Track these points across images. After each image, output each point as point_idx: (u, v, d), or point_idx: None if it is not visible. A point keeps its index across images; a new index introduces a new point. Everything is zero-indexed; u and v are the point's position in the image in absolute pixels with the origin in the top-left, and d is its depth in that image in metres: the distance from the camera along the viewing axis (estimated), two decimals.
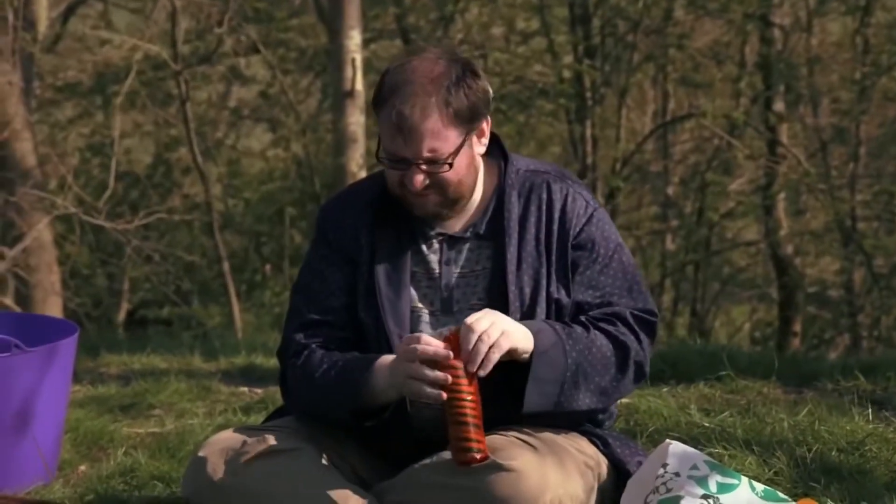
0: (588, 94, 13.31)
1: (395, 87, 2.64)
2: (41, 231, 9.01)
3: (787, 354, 6.43)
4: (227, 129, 16.11)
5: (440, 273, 2.76)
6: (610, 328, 2.70)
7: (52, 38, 13.50)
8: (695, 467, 2.52)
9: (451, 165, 2.65)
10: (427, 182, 2.66)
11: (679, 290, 14.64)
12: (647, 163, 14.33)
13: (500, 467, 2.56)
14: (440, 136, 2.63)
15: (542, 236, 2.75)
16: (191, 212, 14.27)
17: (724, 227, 14.39)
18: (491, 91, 2.74)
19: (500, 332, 2.54)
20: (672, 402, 3.87)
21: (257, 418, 3.97)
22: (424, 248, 2.78)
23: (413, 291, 2.76)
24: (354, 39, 9.62)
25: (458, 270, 2.76)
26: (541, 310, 2.71)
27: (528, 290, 2.72)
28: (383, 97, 2.66)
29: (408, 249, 2.77)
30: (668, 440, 2.59)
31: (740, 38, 13.52)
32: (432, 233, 2.78)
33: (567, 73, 13.45)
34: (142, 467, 3.57)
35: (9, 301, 9.58)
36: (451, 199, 2.72)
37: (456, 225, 2.78)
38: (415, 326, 2.74)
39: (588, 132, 13.39)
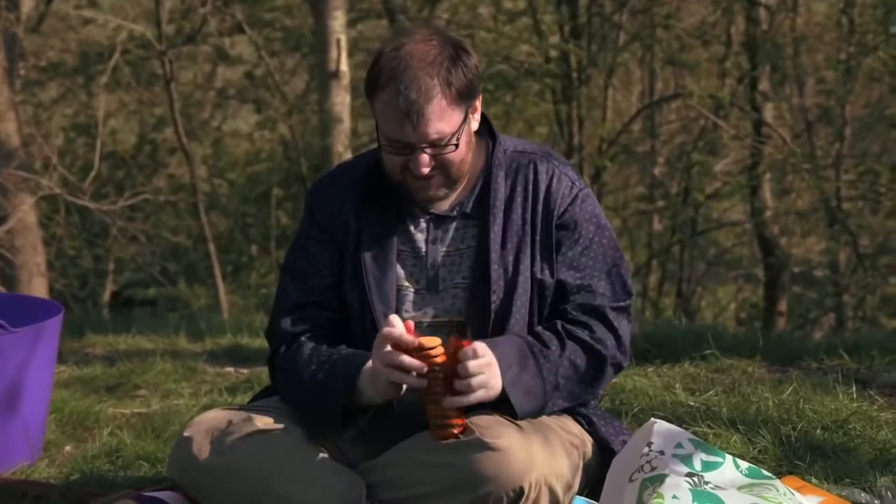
0: (574, 74, 13.30)
1: (394, 73, 2.60)
2: (26, 212, 8.98)
3: (772, 334, 6.45)
4: (212, 109, 16.06)
5: (426, 252, 2.76)
6: (585, 337, 2.70)
7: (36, 18, 13.43)
8: (679, 446, 2.52)
9: (456, 146, 2.65)
10: (433, 164, 2.65)
11: (665, 270, 14.67)
12: (633, 143, 14.33)
13: (486, 446, 2.57)
14: (445, 118, 2.62)
15: (528, 216, 2.74)
16: (176, 193, 14.24)
17: (709, 208, 14.41)
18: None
19: (483, 391, 2.56)
20: (657, 382, 3.88)
21: (243, 398, 3.98)
22: (412, 227, 2.77)
23: (399, 270, 2.75)
24: (339, 20, 9.59)
25: (444, 249, 2.75)
26: (523, 290, 2.71)
27: (511, 270, 2.72)
28: (381, 83, 2.62)
29: (394, 228, 2.77)
30: (652, 419, 2.60)
31: (727, 18, 13.51)
32: (419, 211, 2.77)
33: (553, 53, 13.43)
34: (127, 447, 3.57)
35: None
36: (454, 180, 2.71)
37: (443, 204, 2.78)
38: (400, 305, 2.74)
39: (574, 112, 13.39)
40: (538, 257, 2.74)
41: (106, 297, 14.49)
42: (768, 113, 13.06)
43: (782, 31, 13.03)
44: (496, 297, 2.70)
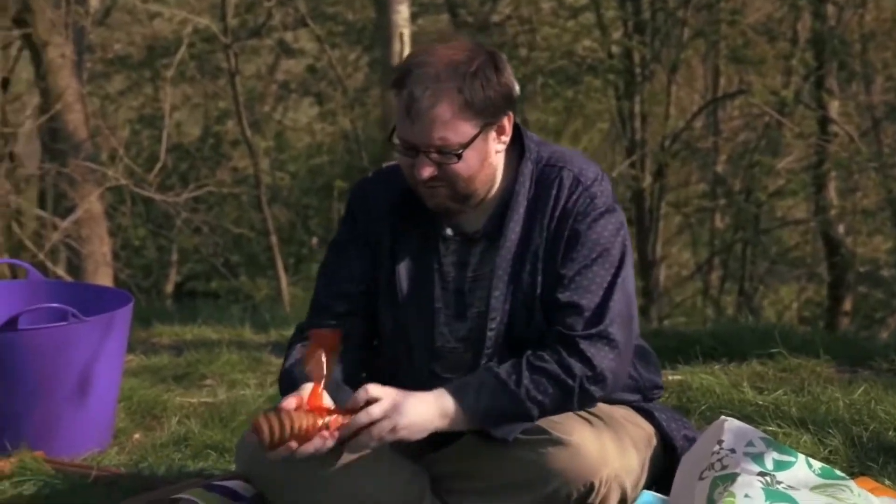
0: (637, 70, 13.21)
1: (412, 71, 2.56)
2: (93, 202, 9.08)
3: (838, 334, 6.38)
4: (274, 102, 16.13)
5: (454, 275, 2.71)
6: (551, 366, 2.57)
7: (104, 12, 13.56)
8: (751, 444, 2.50)
9: (459, 157, 2.56)
10: (435, 173, 2.58)
11: (727, 268, 14.53)
12: (695, 140, 14.22)
13: (557, 441, 2.56)
14: (450, 125, 2.54)
15: (543, 237, 2.65)
16: (239, 185, 14.33)
17: (773, 206, 14.26)
18: (517, 88, 2.63)
19: (391, 433, 2.47)
20: (724, 380, 3.85)
21: None
22: (442, 247, 2.72)
23: (436, 290, 2.71)
24: (402, 14, 9.58)
25: (470, 274, 2.70)
26: (530, 313, 2.66)
27: (527, 293, 2.65)
28: (399, 78, 2.58)
29: (430, 247, 2.72)
30: (723, 416, 2.58)
31: (793, 15, 13.36)
32: (449, 231, 2.71)
33: (616, 49, 13.35)
34: (195, 436, 3.60)
35: (61, 271, 9.67)
36: (462, 195, 2.63)
37: (472, 222, 2.71)
38: (435, 329, 2.70)
39: (637, 108, 13.30)
40: (549, 281, 2.65)
41: (169, 287, 14.62)
42: (834, 110, 12.90)
43: (850, 27, 12.86)
44: (494, 325, 2.65)
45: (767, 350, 4.17)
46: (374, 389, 2.46)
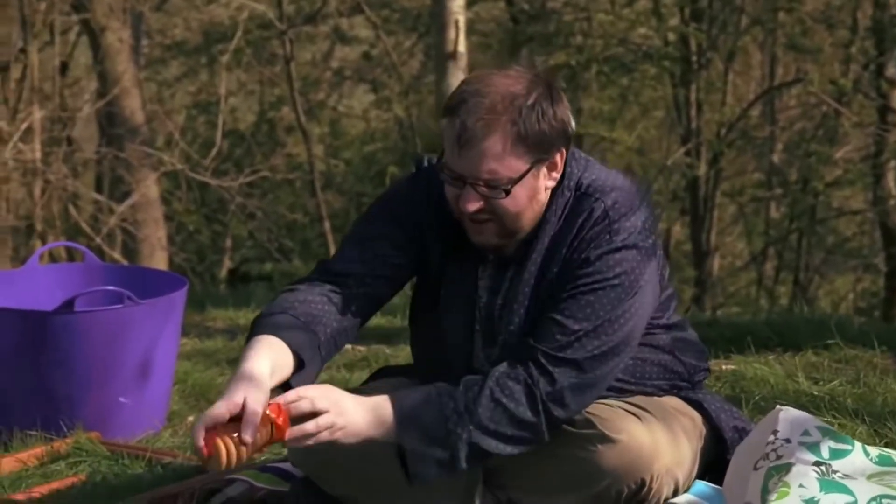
0: (693, 58, 13.11)
1: (466, 98, 2.48)
2: (149, 187, 9.17)
3: (894, 324, 6.30)
4: (329, 89, 16.18)
5: (485, 301, 2.65)
6: (510, 384, 2.47)
7: None
8: (806, 433, 2.47)
9: (507, 193, 2.49)
10: (482, 207, 2.51)
11: (782, 258, 14.40)
12: (752, 128, 14.09)
13: (606, 439, 2.54)
14: (500, 159, 2.47)
15: (559, 267, 2.58)
16: (293, 171, 14.39)
17: (829, 196, 14.11)
18: (572, 123, 2.55)
19: (328, 432, 2.35)
20: (779, 370, 3.82)
21: (361, 375, 4.00)
22: (480, 269, 2.66)
23: (475, 313, 2.66)
24: (458, 1, 9.57)
25: (500, 301, 2.64)
26: None
27: (529, 328, 2.57)
28: (452, 105, 2.50)
29: (471, 268, 2.65)
30: (778, 406, 2.55)
31: (853, 2, 13.20)
32: (490, 256, 2.64)
33: (672, 36, 13.25)
34: None
35: (117, 255, 9.76)
36: (508, 231, 2.57)
37: (506, 249, 2.64)
38: (474, 350, 2.66)
39: (693, 96, 13.20)
40: None
41: (223, 272, 14.73)
42: (894, 99, 12.74)
43: None
44: (481, 356, 2.61)
45: (823, 341, 4.12)
46: (314, 396, 2.34)
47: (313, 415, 2.33)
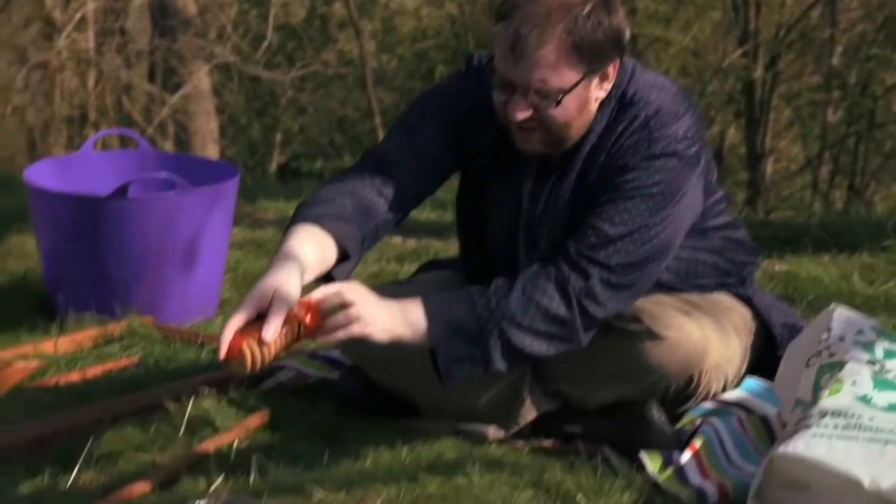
0: None
1: (519, 3, 2.43)
2: (201, 79, 9.16)
3: None
4: None
5: (527, 207, 2.64)
6: (545, 283, 2.45)
7: None
8: (860, 332, 2.45)
9: (557, 103, 2.46)
10: (531, 116, 2.48)
11: (838, 163, 14.22)
12: (811, 30, 13.82)
13: (654, 335, 2.54)
14: (553, 68, 2.42)
15: (596, 175, 2.56)
16: (345, 66, 14.32)
17: (889, 100, 13.86)
18: (627, 33, 2.50)
19: (358, 325, 2.31)
20: (833, 271, 3.79)
21: (410, 267, 4.01)
22: (524, 174, 2.64)
23: (519, 218, 2.66)
24: None
25: (541, 207, 2.63)
26: None
27: (568, 234, 2.54)
28: (506, 10, 2.46)
29: (516, 172, 2.64)
30: (833, 304, 2.53)
31: None
32: (533, 161, 2.62)
33: None
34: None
35: (169, 146, 9.80)
36: (555, 140, 2.54)
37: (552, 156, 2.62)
38: (518, 254, 2.66)
39: None
40: None
41: (273, 166, 14.76)
42: None
43: None
44: (523, 261, 2.60)
45: (880, 243, 4.08)
46: (342, 289, 2.30)
47: (343, 308, 2.30)
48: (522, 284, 2.43)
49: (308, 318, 2.25)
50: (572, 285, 2.43)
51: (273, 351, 2.20)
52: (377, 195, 2.55)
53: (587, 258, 2.45)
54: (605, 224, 2.47)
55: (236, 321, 2.18)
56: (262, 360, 2.18)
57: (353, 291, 2.31)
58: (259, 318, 2.20)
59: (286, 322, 2.21)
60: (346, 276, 2.50)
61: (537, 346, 2.44)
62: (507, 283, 2.44)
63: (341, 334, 2.29)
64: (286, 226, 2.47)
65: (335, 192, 2.53)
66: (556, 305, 2.43)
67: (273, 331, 2.17)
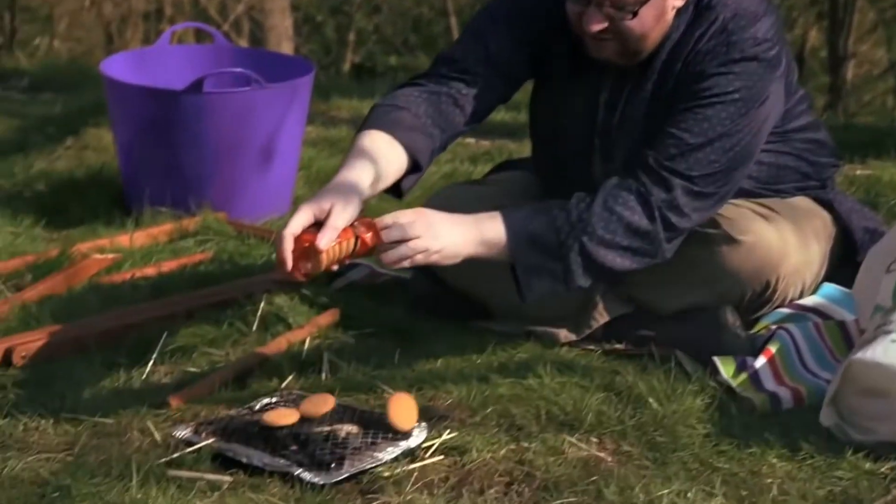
0: None
1: None
2: None
3: None
4: None
5: (603, 116, 2.60)
6: (626, 196, 2.40)
7: None
8: None
9: (634, 14, 2.40)
10: (606, 27, 2.42)
11: None
12: None
13: (732, 240, 2.51)
14: None
15: (674, 81, 2.50)
16: None
17: None
18: None
19: (423, 255, 2.27)
20: None
21: (483, 168, 3.99)
22: (600, 83, 2.59)
23: (594, 128, 2.61)
24: None
25: (617, 117, 2.58)
26: None
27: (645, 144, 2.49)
28: None
29: (591, 81, 2.59)
30: None
31: None
32: (609, 70, 2.57)
33: None
34: (370, 208, 3.63)
35: (244, 43, 9.79)
36: (630, 52, 2.49)
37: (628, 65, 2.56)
38: (592, 164, 2.62)
39: None
40: None
41: (347, 65, 14.72)
42: None
43: None
44: (599, 170, 2.56)
45: None
46: (406, 223, 2.27)
47: (405, 242, 2.27)
48: (603, 198, 2.39)
49: (368, 237, 2.24)
50: (654, 197, 2.39)
51: (327, 261, 2.19)
52: (451, 103, 2.53)
53: (668, 169, 2.41)
54: (684, 133, 2.42)
55: (294, 226, 2.18)
56: (315, 268, 2.18)
57: (417, 224, 2.27)
58: (316, 225, 2.19)
59: (345, 235, 2.20)
60: (412, 187, 2.49)
61: (620, 261, 2.41)
62: (587, 197, 2.40)
63: (406, 264, 2.28)
64: (357, 129, 2.46)
65: (408, 99, 2.51)
66: (639, 218, 2.39)
67: (327, 240, 2.16)
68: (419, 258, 2.27)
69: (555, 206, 2.40)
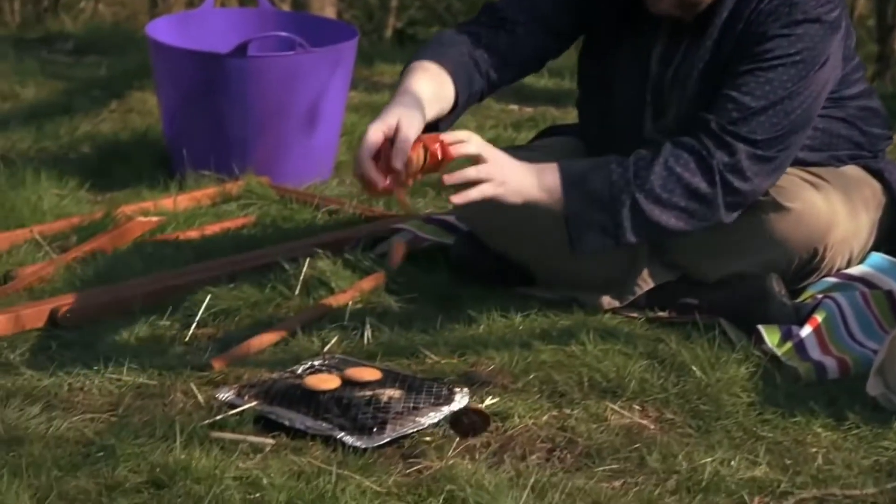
0: None
1: None
2: None
3: None
4: None
5: (656, 71, 2.57)
6: (691, 145, 2.39)
7: None
8: None
9: None
10: None
11: None
12: None
13: (780, 207, 2.48)
14: None
15: (734, 40, 2.47)
16: None
17: None
18: None
19: (490, 185, 2.26)
20: None
21: (527, 135, 3.97)
22: (654, 38, 2.57)
23: (646, 83, 2.58)
24: None
25: (672, 72, 2.55)
26: None
27: (701, 103, 2.47)
28: None
29: (644, 35, 2.56)
30: None
31: None
32: (664, 25, 2.55)
33: None
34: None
35: (287, 7, 9.78)
36: (689, 4, 2.47)
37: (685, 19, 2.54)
38: (644, 120, 2.59)
39: None
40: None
41: (389, 31, 14.69)
42: None
43: None
44: (649, 127, 2.53)
45: None
46: (478, 145, 2.28)
47: (475, 163, 2.27)
48: (665, 157, 2.38)
49: (436, 148, 2.23)
50: (717, 161, 2.38)
51: (400, 179, 2.21)
52: (493, 52, 2.52)
53: (731, 133, 2.39)
54: (746, 97, 2.41)
55: (369, 147, 2.20)
56: (389, 187, 2.22)
57: (489, 149, 2.28)
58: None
59: (414, 149, 2.21)
60: (448, 128, 2.47)
61: (674, 222, 2.40)
62: (649, 155, 2.39)
63: (474, 194, 2.26)
64: (405, 65, 2.44)
65: (452, 39, 2.51)
66: (699, 181, 2.38)
67: (401, 160, 2.18)
68: (486, 188, 2.26)
69: (613, 160, 2.39)
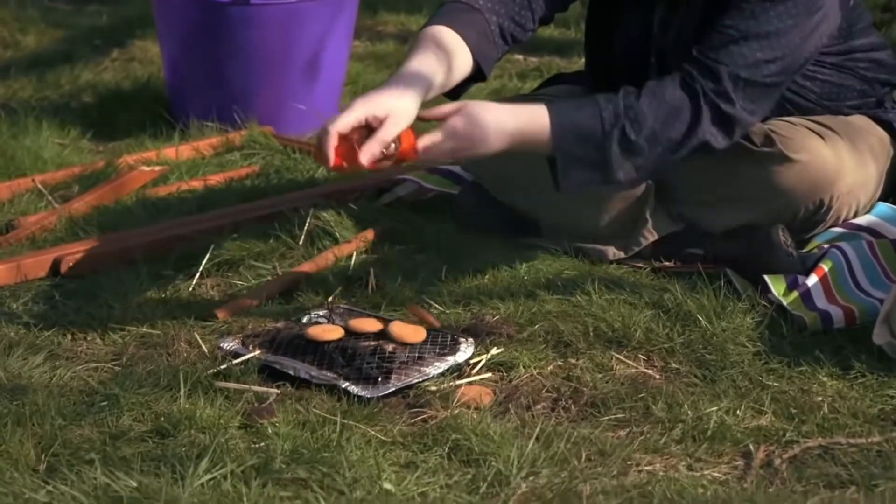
0: None
1: None
2: None
3: None
4: None
5: (659, 33, 2.54)
6: (669, 84, 2.36)
7: None
8: None
9: None
10: None
11: None
12: None
13: (786, 158, 2.46)
14: None
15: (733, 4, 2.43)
16: None
17: None
18: None
19: (461, 152, 2.26)
20: None
21: (532, 84, 3.94)
22: (655, 4, 2.54)
23: (649, 48, 2.56)
24: None
25: (673, 34, 2.53)
26: None
27: None
28: None
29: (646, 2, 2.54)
30: None
31: None
32: None
33: None
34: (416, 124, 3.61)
35: None
36: None
37: None
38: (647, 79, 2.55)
39: None
40: None
41: None
42: None
43: None
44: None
45: None
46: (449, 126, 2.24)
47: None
48: (651, 87, 2.35)
49: (407, 151, 2.20)
50: (700, 84, 2.34)
51: (365, 166, 2.16)
52: (525, 6, 2.48)
53: (713, 59, 2.36)
54: (730, 30, 2.38)
55: (343, 125, 2.14)
56: (354, 170, 2.17)
57: (462, 133, 2.23)
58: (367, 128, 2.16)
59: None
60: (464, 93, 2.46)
61: (662, 154, 2.35)
62: (635, 90, 2.35)
63: (449, 160, 2.29)
64: (428, 20, 2.41)
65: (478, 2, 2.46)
66: (685, 106, 2.34)
67: (370, 157, 2.14)
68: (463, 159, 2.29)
69: (602, 97, 2.36)
